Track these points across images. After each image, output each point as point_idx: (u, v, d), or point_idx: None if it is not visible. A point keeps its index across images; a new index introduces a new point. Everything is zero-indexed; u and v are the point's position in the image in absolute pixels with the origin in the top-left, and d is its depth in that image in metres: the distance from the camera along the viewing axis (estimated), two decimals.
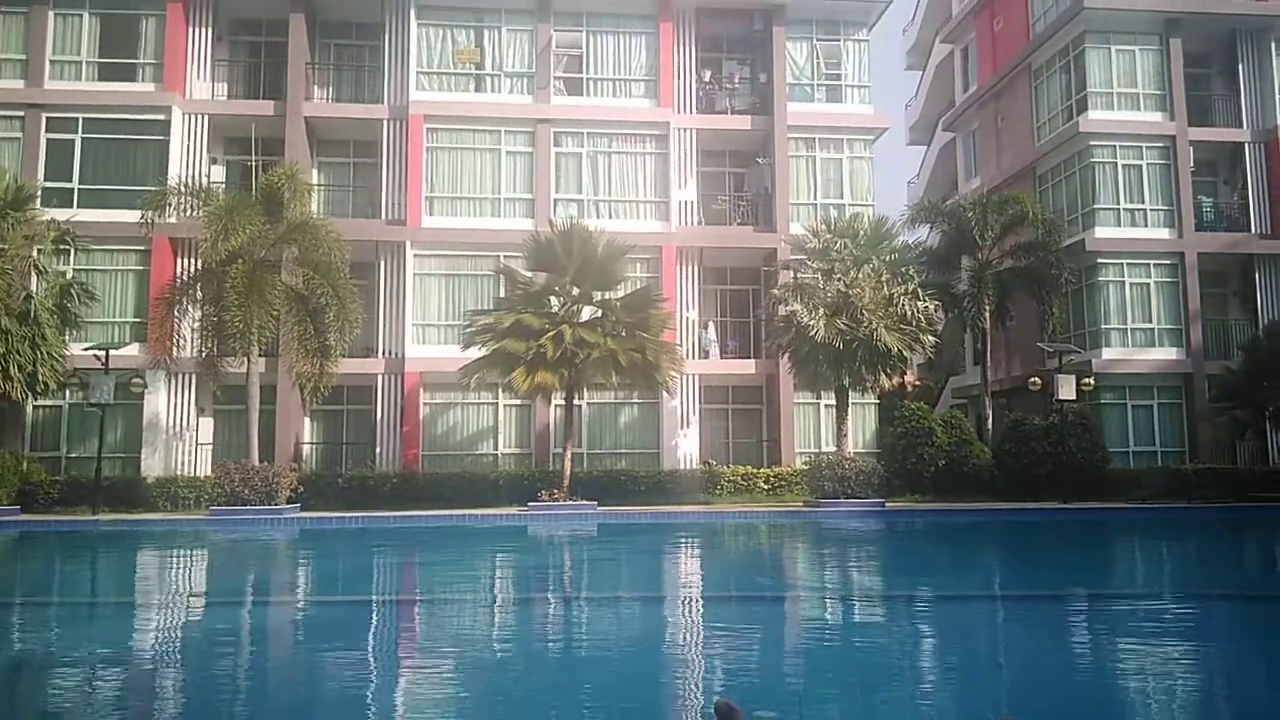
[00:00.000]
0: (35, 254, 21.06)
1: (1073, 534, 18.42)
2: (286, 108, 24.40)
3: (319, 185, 25.36)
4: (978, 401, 27.24)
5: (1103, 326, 25.46)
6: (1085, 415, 23.01)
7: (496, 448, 24.30)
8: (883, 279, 21.67)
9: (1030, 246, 25.11)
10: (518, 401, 23.76)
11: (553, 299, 21.52)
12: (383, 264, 24.39)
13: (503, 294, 22.46)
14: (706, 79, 26.98)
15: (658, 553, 16.39)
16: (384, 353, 24.12)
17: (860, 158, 26.64)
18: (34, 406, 22.65)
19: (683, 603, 11.30)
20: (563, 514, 19.97)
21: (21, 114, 23.79)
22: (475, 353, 20.93)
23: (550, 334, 20.13)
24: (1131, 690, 6.94)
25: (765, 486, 22.91)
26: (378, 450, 23.80)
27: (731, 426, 26.10)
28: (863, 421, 25.33)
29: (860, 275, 21.64)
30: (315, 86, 25.98)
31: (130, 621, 10.17)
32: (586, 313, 21.67)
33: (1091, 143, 25.91)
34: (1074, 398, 22.20)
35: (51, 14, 24.28)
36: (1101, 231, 25.49)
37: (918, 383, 31.25)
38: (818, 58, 26.96)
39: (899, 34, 41.22)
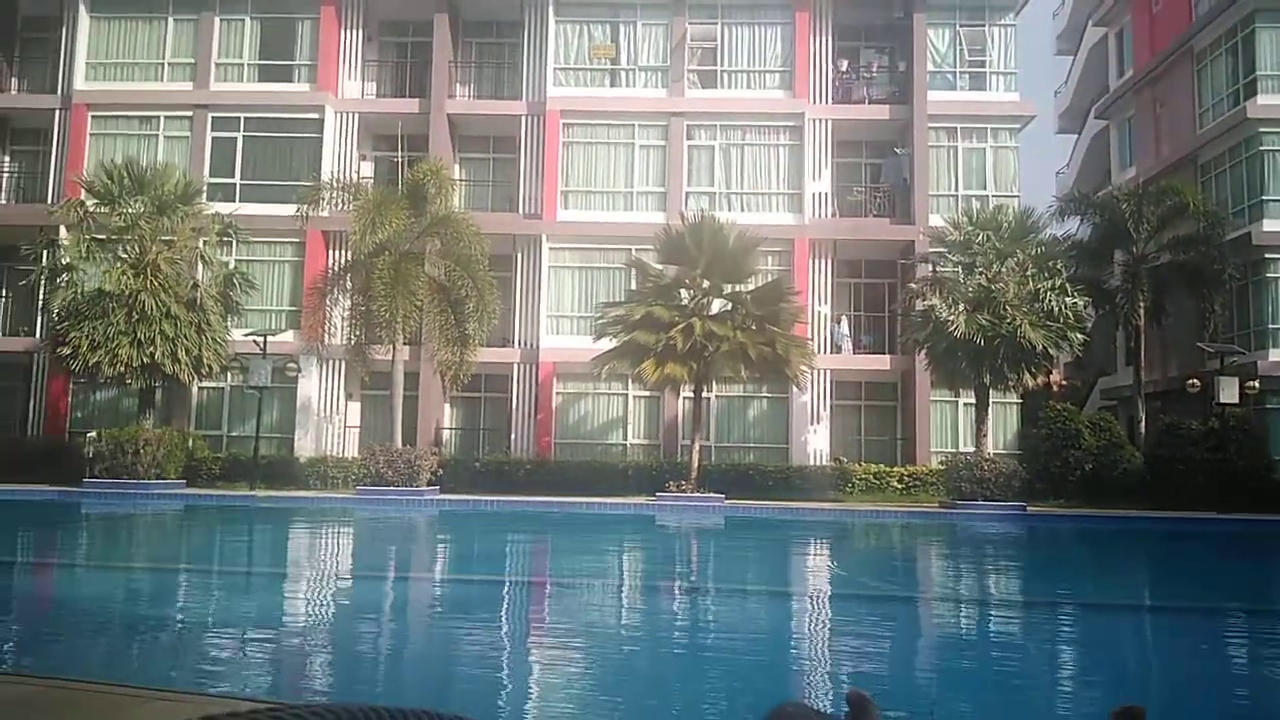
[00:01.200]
0: (201, 245, 22.44)
1: (1230, 545, 17.29)
2: (430, 105, 25.29)
3: (460, 180, 26.15)
4: (1129, 403, 25.80)
5: (1270, 326, 23.67)
6: (1248, 420, 21.49)
7: (626, 438, 24.58)
8: (1028, 273, 20.80)
9: (1190, 240, 23.58)
10: (647, 393, 23.96)
11: (683, 292, 21.60)
12: (519, 256, 25.00)
13: (634, 286, 22.66)
14: (843, 68, 26.49)
15: (786, 547, 16.25)
16: (520, 343, 24.73)
17: (1005, 147, 25.64)
18: (199, 388, 24.28)
19: (811, 599, 11.18)
20: (690, 506, 20.05)
21: (190, 114, 25.47)
22: (606, 344, 21.22)
23: (680, 326, 20.21)
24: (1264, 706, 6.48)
25: (898, 486, 22.37)
26: (512, 437, 24.44)
27: (864, 423, 25.59)
28: (1004, 422, 24.40)
29: (1004, 269, 20.83)
30: (458, 84, 26.80)
31: (285, 591, 10.79)
32: (716, 305, 21.66)
33: (1261, 129, 24.11)
34: (1236, 401, 20.77)
35: (217, 19, 25.88)
36: (1271, 224, 23.69)
37: (1064, 382, 29.84)
38: (961, 44, 26.06)
39: (1048, 18, 39.37)
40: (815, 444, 24.11)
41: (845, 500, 21.63)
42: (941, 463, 22.20)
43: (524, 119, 25.46)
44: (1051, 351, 20.81)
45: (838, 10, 26.10)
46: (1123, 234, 24.21)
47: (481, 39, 27.54)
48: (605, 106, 25.39)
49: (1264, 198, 23.98)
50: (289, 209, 22.65)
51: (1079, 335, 20.72)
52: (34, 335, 24.61)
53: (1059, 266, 21.30)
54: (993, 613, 10.55)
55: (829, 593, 11.71)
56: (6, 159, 26.85)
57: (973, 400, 22.30)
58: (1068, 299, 20.46)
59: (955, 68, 26.04)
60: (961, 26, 26.04)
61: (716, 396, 24.38)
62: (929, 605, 10.78)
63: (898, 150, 26.00)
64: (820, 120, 25.44)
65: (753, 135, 25.54)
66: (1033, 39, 38.21)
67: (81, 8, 25.71)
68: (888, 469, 22.77)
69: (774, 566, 14.42)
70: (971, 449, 22.24)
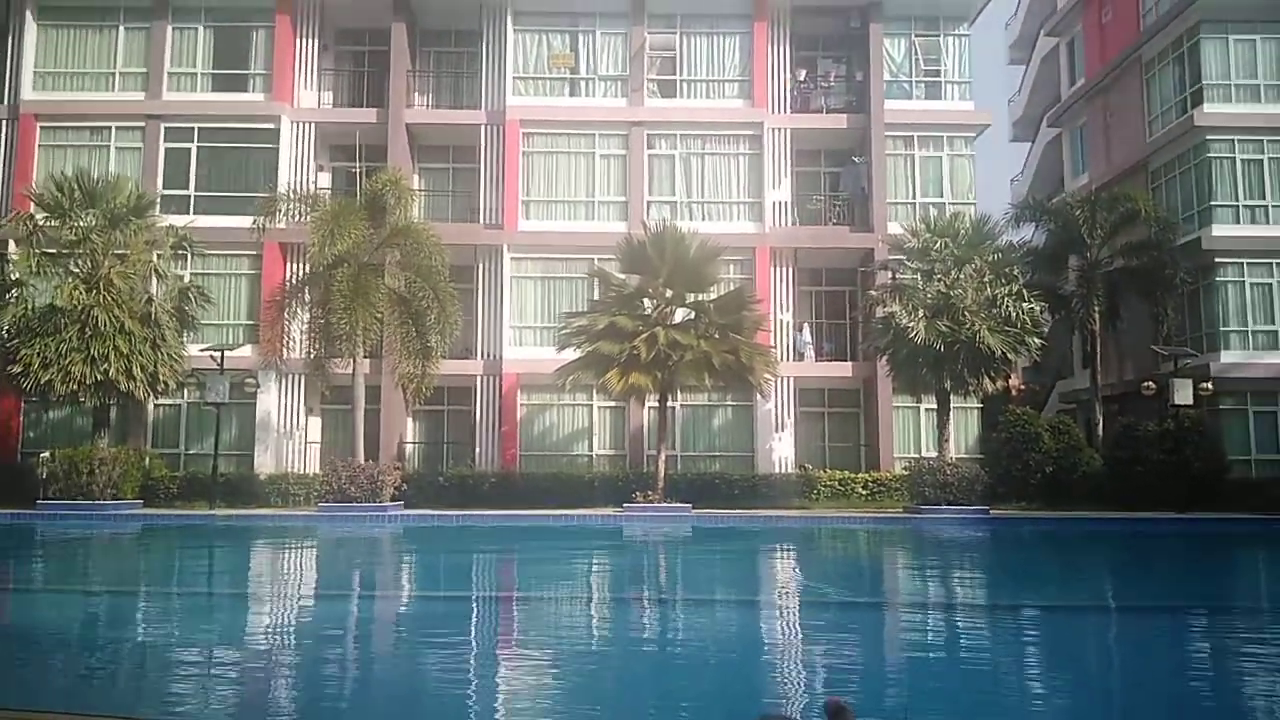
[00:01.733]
0: (155, 259, 22.01)
1: (1189, 545, 17.62)
2: (389, 115, 25.06)
3: (420, 190, 25.94)
4: (1087, 406, 26.27)
5: (1221, 329, 24.24)
6: (1203, 422, 21.95)
7: (591, 449, 24.50)
8: (985, 279, 21.10)
9: (1142, 245, 24.09)
10: (612, 403, 23.92)
11: (646, 301, 21.61)
12: (481, 267, 24.84)
13: (597, 296, 22.64)
14: (801, 78, 26.71)
15: (755, 556, 16.29)
16: (482, 354, 24.56)
17: (961, 155, 26.01)
18: (155, 405, 23.80)
19: (781, 607, 11.20)
20: (657, 516, 20.02)
21: (142, 125, 25.00)
22: (570, 354, 21.16)
23: (643, 336, 20.22)
24: (1241, 704, 6.60)
25: (864, 492, 22.56)
26: (477, 450, 24.24)
27: (828, 430, 25.77)
28: (965, 426, 24.71)
29: (962, 276, 21.10)
30: (416, 94, 26.60)
31: (246, 612, 10.57)
32: (680, 315, 21.69)
33: (1208, 137, 24.71)
34: (1191, 403, 21.25)
35: (170, 28, 25.44)
36: (1220, 229, 24.28)
37: (1023, 387, 30.30)
38: (916, 54, 26.42)
39: (1001, 28, 40.02)
40: (780, 451, 24.21)
41: (811, 507, 21.76)
42: (905, 468, 22.43)
43: (484, 128, 25.33)
44: (1010, 356, 21.10)
45: (795, 20, 26.33)
46: (1077, 240, 24.68)
47: (440, 48, 27.38)
48: (565, 116, 25.36)
49: (1212, 203, 24.56)
50: (245, 221, 22.30)
51: (1036, 340, 21.07)
52: None
53: (1016, 273, 21.66)
54: (961, 617, 10.64)
55: (799, 601, 11.74)
56: None
57: (934, 405, 22.59)
58: (1025, 304, 20.79)
59: (911, 77, 26.37)
60: (917, 36, 26.40)
61: (682, 406, 24.41)
62: (898, 611, 10.85)
63: (856, 159, 26.26)
64: (779, 129, 25.62)
65: (713, 144, 25.65)
66: (986, 48, 38.84)
67: (28, 16, 25.14)
68: (852, 475, 22.95)
69: (743, 575, 14.44)
70: (934, 454, 22.50)
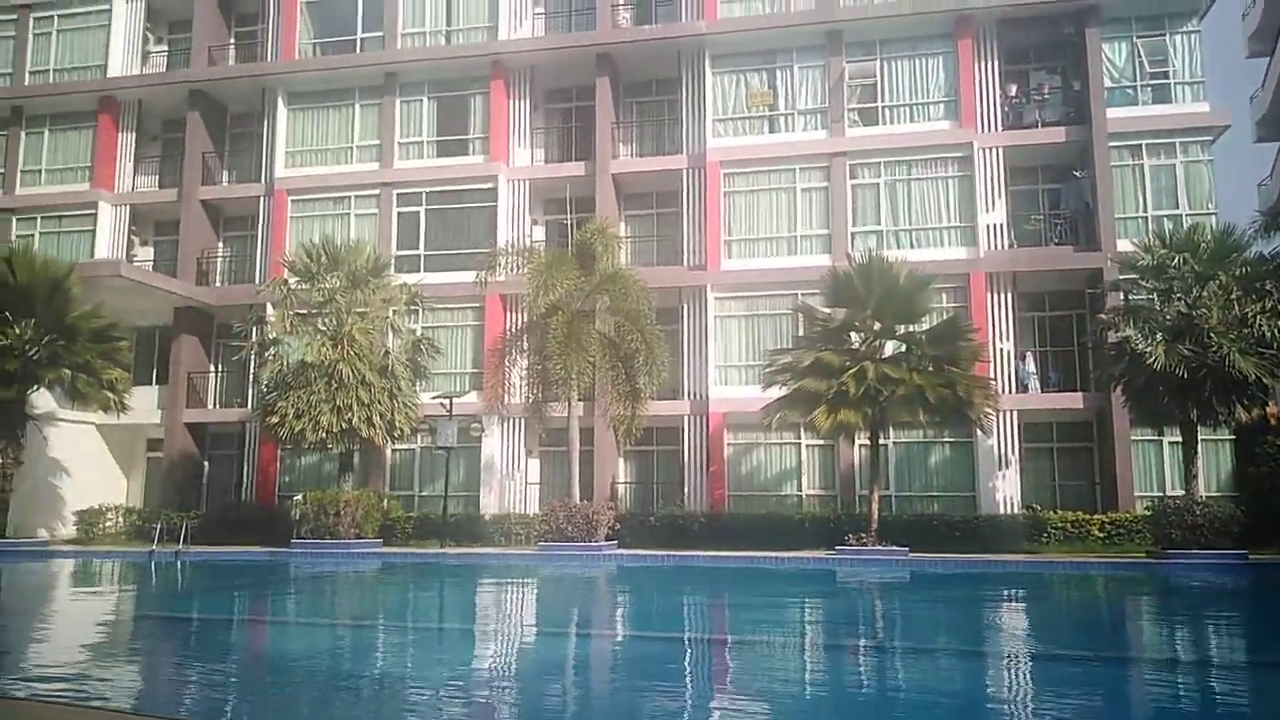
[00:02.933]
0: (391, 315, 23.91)
1: None
2: (595, 167, 26.09)
3: (626, 237, 26.78)
4: None
5: None
6: None
7: (801, 489, 24.17)
8: (1233, 297, 19.20)
9: None
10: (820, 442, 23.54)
11: (853, 335, 21.18)
12: (686, 308, 25.24)
13: (801, 332, 22.43)
14: (1012, 93, 25.52)
15: (980, 604, 15.43)
16: (689, 394, 24.87)
17: (1197, 161, 23.92)
18: (392, 450, 25.70)
19: (1013, 661, 10.53)
20: (872, 559, 19.42)
21: (377, 193, 27.33)
22: (776, 392, 21.02)
23: (851, 371, 19.78)
24: None
25: (1100, 534, 20.93)
26: (686, 490, 24.50)
27: (1057, 467, 24.15)
28: (1216, 460, 22.45)
29: (1205, 294, 19.33)
30: (620, 144, 27.55)
31: (480, 646, 11.14)
32: (889, 348, 21.10)
33: None
34: None
35: (398, 102, 27.75)
36: None
37: None
38: (1139, 56, 24.62)
39: (1237, 19, 36.55)
40: (1005, 491, 22.92)
41: (1040, 551, 20.40)
42: (1147, 508, 20.63)
43: (685, 172, 25.85)
44: (1266, 381, 19.02)
45: (1003, 33, 25.22)
46: None
47: (641, 98, 28.25)
48: (765, 153, 25.45)
49: None
50: (469, 276, 23.87)
51: None
52: (246, 406, 26.82)
53: (1269, 287, 19.51)
54: (1218, 676, 9.62)
55: (1031, 654, 11.00)
56: (220, 245, 29.56)
57: (1179, 438, 20.66)
58: None
59: (1135, 81, 24.61)
60: (1139, 38, 24.64)
61: (894, 443, 23.65)
62: (1143, 668, 9.95)
63: (1077, 173, 24.71)
64: (991, 149, 24.55)
65: (919, 169, 24.92)
66: (1220, 43, 35.50)
67: (280, 102, 28.18)
68: (1086, 516, 21.35)
69: (968, 625, 13.70)
70: (1181, 492, 20.58)
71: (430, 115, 27.79)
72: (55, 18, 30.53)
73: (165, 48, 31.28)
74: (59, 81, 30.07)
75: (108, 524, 25.68)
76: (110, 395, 23.19)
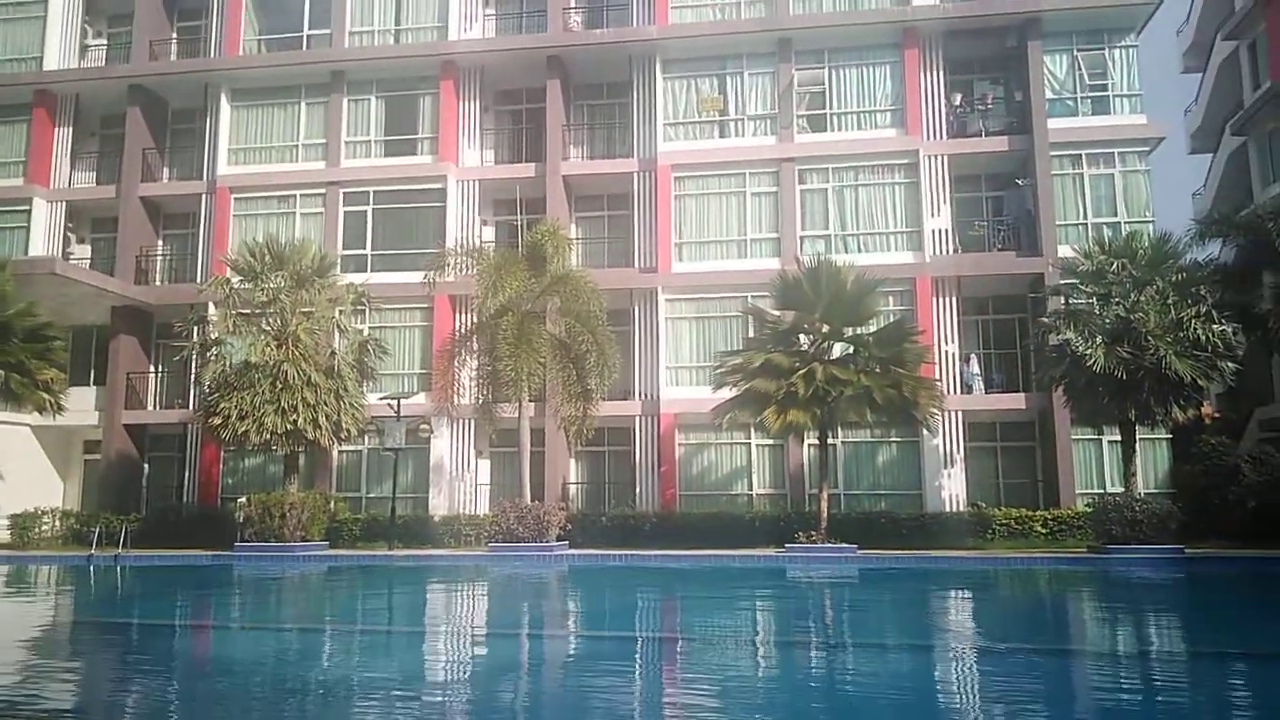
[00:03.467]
0: (337, 315, 23.55)
1: None
2: (546, 169, 26.02)
3: (577, 239, 26.73)
4: None
5: None
6: None
7: (751, 488, 24.33)
8: (1169, 301, 19.77)
9: None
10: (770, 441, 23.73)
11: (802, 337, 21.40)
12: (637, 310, 25.27)
13: (752, 334, 22.60)
14: (957, 102, 26.03)
15: (927, 599, 15.66)
16: (640, 395, 24.89)
17: (1135, 171, 24.63)
18: (339, 452, 25.30)
19: (957, 653, 10.70)
20: (821, 557, 19.61)
21: (323, 191, 26.92)
22: (727, 393, 21.14)
23: (801, 372, 19.97)
24: None
25: (1043, 531, 21.41)
26: (637, 490, 24.50)
27: (1001, 466, 24.65)
28: (1154, 459, 23.10)
29: (1143, 298, 19.88)
30: (571, 146, 27.51)
31: (427, 648, 11.00)
32: (838, 349, 21.34)
33: None
34: None
35: (346, 100, 27.39)
36: None
37: (1217, 415, 28.06)
38: (1080, 69, 25.29)
39: (1171, 35, 37.79)
40: (950, 489, 23.32)
41: (986, 547, 20.79)
42: (1088, 505, 21.16)
43: (636, 175, 25.91)
44: (1201, 383, 19.62)
45: (948, 44, 25.73)
46: (1271, 255, 22.72)
47: (592, 101, 28.26)
48: (715, 158, 25.62)
49: None
50: (417, 276, 23.64)
51: (1230, 364, 19.50)
52: (187, 408, 26.21)
53: (1203, 293, 20.15)
54: (1160, 666, 9.87)
55: (979, 647, 11.19)
56: (160, 243, 28.88)
57: (1118, 437, 21.21)
58: (1215, 326, 19.32)
59: (1075, 93, 25.26)
60: (1079, 51, 25.31)
61: (843, 443, 23.94)
62: (1086, 660, 10.17)
63: (1020, 181, 25.29)
64: (936, 156, 25.01)
65: (866, 175, 25.28)
66: (1156, 58, 36.46)
67: (223, 98, 27.65)
68: (1030, 513, 21.82)
69: (917, 620, 13.89)
70: (1120, 489, 21.12)
71: (378, 114, 27.48)
72: None
73: (104, 41, 30.49)
74: None
75: (44, 528, 24.87)
76: (45, 396, 22.45)
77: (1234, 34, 31.23)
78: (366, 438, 24.81)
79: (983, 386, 24.48)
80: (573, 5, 28.11)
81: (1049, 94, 25.01)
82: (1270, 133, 29.41)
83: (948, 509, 22.84)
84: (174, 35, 29.88)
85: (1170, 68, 38.18)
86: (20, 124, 28.80)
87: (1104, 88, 25.18)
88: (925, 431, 22.10)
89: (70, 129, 28.99)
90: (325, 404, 22.10)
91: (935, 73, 25.51)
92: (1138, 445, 20.95)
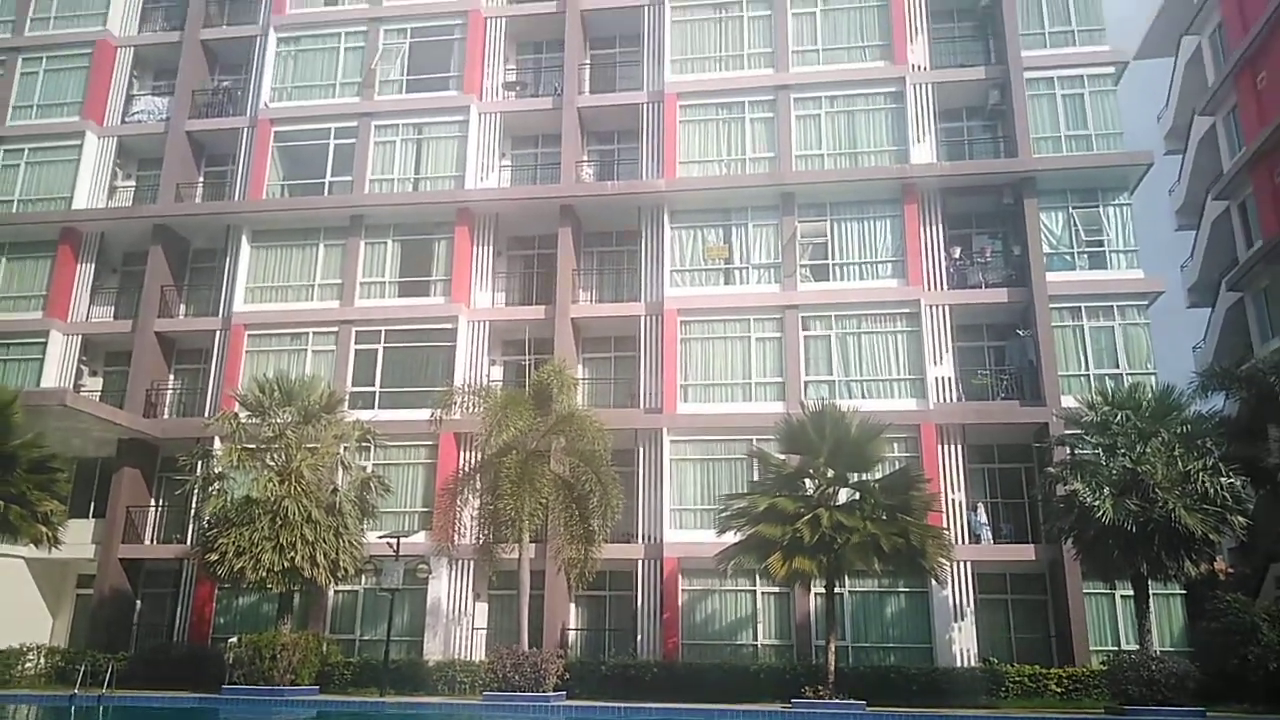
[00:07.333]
0: (342, 451, 23.52)
1: None
2: (555, 311, 26.52)
3: (583, 379, 26.97)
4: None
5: None
6: None
7: (756, 638, 23.65)
8: (1175, 453, 19.69)
9: None
10: (776, 589, 23.24)
11: (807, 482, 21.25)
12: (641, 450, 25.23)
13: (756, 478, 22.48)
14: (956, 255, 26.68)
15: None
16: (643, 538, 24.55)
17: (1135, 324, 24.98)
18: (335, 591, 24.78)
19: None
20: (829, 714, 18.85)
21: (336, 329, 27.38)
22: (731, 537, 20.86)
23: (806, 518, 19.74)
24: None
25: (1058, 689, 20.64)
26: (639, 637, 23.82)
27: (1012, 619, 24.00)
28: (1168, 615, 22.52)
29: (1148, 450, 19.81)
30: (581, 290, 28.09)
31: None
32: (843, 495, 21.16)
33: None
34: None
35: (363, 243, 28.20)
36: None
37: (1231, 570, 27.47)
38: (1076, 225, 26.04)
39: (1164, 193, 39.08)
40: (961, 642, 22.64)
41: (999, 706, 19.99)
42: (1103, 662, 20.51)
43: (643, 319, 26.36)
44: (1213, 537, 19.31)
45: (946, 200, 26.59)
46: (1275, 408, 22.79)
47: (602, 247, 29.05)
48: (721, 303, 26.13)
49: None
50: (424, 413, 23.77)
51: (1241, 519, 19.24)
52: (185, 543, 25.88)
53: (1209, 445, 20.11)
54: None
55: None
56: (171, 378, 29.17)
57: (1130, 592, 20.73)
58: (1223, 479, 19.17)
59: (1072, 248, 25.90)
60: (1074, 208, 26.10)
61: (850, 592, 23.41)
62: None
63: (1020, 332, 25.65)
64: (937, 306, 25.46)
65: (869, 323, 25.68)
66: (1151, 214, 37.64)
67: (244, 239, 28.51)
68: (1044, 670, 21.10)
69: None
70: (1135, 646, 20.49)
71: (394, 256, 28.24)
72: (26, 150, 30.92)
73: (133, 183, 31.68)
74: (22, 211, 30.18)
75: (28, 665, 24.12)
76: (44, 529, 22.17)
77: (1224, 194, 32.32)
78: (364, 577, 24.35)
79: (991, 536, 24.13)
80: (585, 158, 29.29)
81: (1046, 248, 25.64)
82: (1266, 289, 30.02)
83: (959, 663, 22.11)
84: (200, 179, 31.07)
85: (1165, 224, 39.31)
86: (45, 259, 29.60)
87: (1100, 243, 25.84)
88: (934, 582, 21.64)
89: (92, 265, 29.78)
90: (324, 541, 21.78)
91: (935, 226, 26.26)
92: (1151, 600, 20.44)
